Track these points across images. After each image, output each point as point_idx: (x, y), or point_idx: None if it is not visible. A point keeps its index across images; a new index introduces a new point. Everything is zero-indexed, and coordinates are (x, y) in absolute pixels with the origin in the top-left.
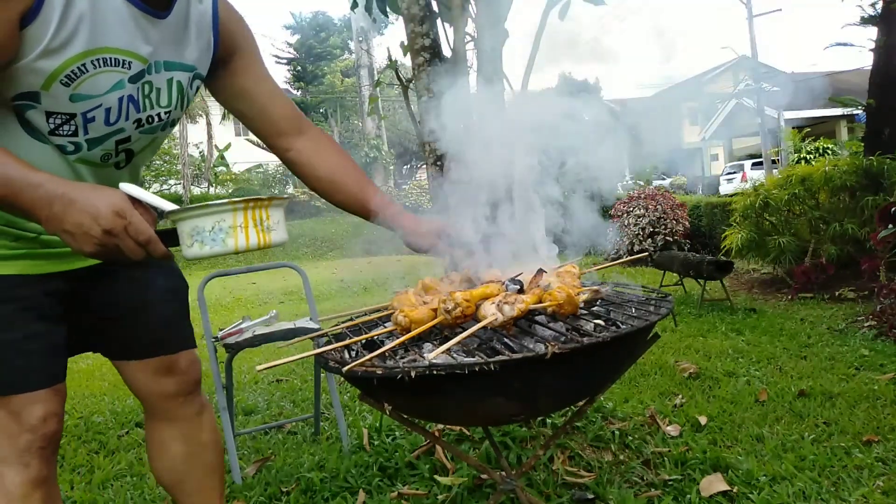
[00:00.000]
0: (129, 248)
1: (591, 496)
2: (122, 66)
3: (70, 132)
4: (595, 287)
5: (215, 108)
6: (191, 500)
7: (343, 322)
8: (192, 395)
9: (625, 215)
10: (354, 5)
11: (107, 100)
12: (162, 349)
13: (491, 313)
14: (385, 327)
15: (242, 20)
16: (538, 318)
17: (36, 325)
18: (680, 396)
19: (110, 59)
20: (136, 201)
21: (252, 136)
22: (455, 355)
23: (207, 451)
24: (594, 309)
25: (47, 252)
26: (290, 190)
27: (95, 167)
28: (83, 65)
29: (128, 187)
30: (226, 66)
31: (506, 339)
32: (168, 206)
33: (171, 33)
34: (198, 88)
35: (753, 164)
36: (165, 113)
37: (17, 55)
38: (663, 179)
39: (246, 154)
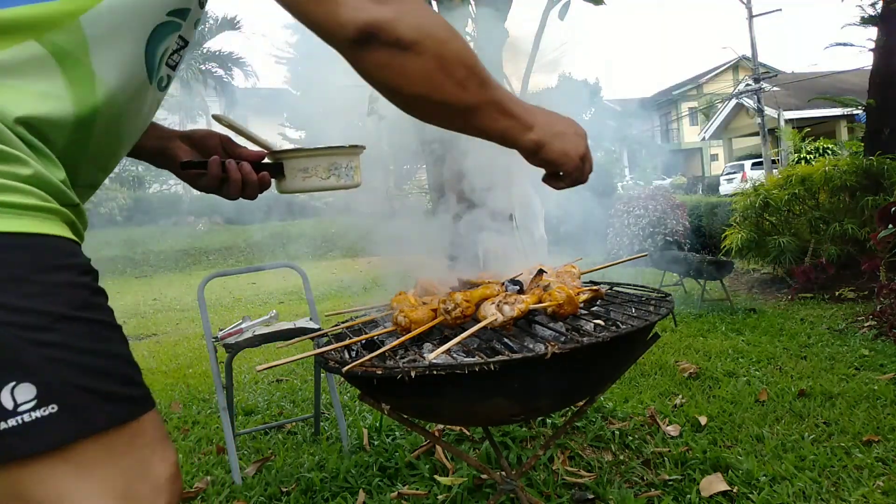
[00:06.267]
0: None
1: (591, 496)
2: None
3: (175, 63)
4: (595, 287)
5: (215, 108)
6: None
7: (343, 322)
8: None
9: (625, 215)
10: None
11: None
12: None
13: (491, 313)
14: (385, 327)
15: None
16: (538, 318)
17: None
18: (680, 396)
19: None
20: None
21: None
22: (455, 355)
23: None
24: (594, 309)
25: None
26: None
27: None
28: None
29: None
30: None
31: (506, 339)
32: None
33: None
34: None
35: (753, 164)
36: None
37: None
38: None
39: None
